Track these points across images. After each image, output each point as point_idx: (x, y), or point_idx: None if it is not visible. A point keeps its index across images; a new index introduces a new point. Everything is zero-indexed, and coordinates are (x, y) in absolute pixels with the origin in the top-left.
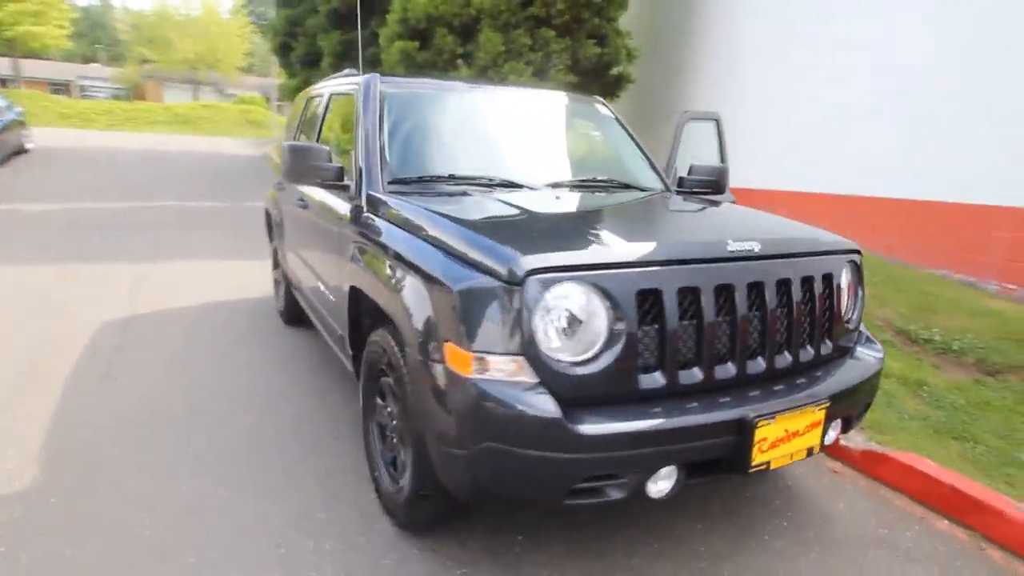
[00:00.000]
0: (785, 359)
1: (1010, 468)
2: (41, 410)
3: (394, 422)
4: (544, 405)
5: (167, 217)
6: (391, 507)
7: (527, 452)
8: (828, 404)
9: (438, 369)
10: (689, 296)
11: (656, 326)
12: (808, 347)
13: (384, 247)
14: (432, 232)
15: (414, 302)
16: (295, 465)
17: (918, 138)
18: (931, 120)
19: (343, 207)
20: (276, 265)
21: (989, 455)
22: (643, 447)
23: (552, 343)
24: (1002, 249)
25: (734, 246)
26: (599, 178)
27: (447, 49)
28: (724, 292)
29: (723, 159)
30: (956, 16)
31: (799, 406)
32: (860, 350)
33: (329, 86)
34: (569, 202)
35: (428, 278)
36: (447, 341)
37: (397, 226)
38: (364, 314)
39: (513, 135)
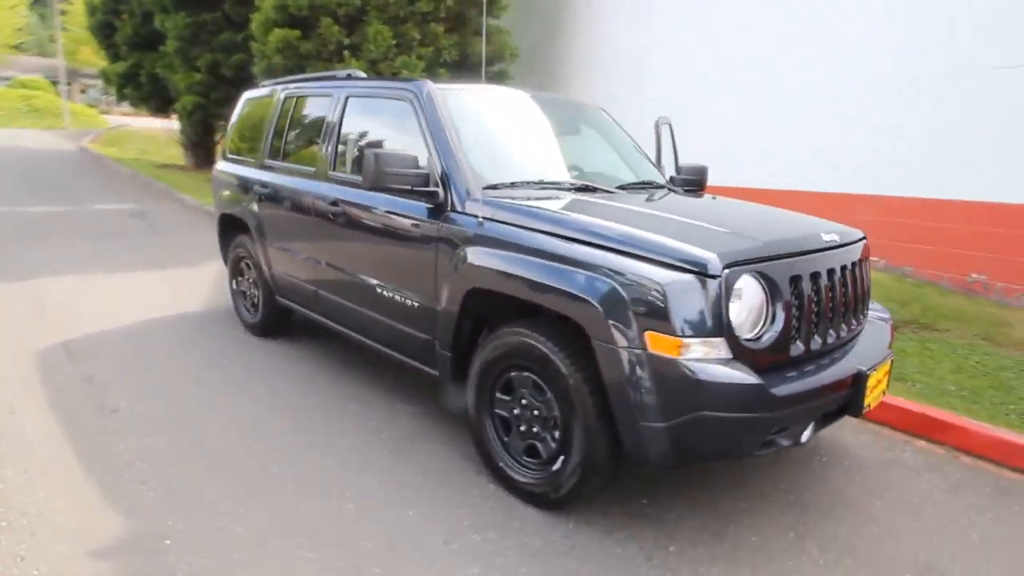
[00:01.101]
0: (853, 325)
1: (945, 397)
2: (74, 489)
3: (534, 412)
4: (747, 375)
5: (3, 225)
6: (537, 490)
7: (734, 415)
8: (892, 354)
9: (639, 355)
10: (812, 279)
11: (797, 304)
12: (861, 314)
13: (534, 251)
14: (605, 234)
15: (601, 298)
16: (410, 476)
17: (776, 136)
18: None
19: (420, 212)
20: (237, 275)
21: (926, 390)
22: (810, 401)
23: (738, 324)
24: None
25: (826, 237)
26: (644, 179)
27: (333, 39)
28: (829, 274)
29: (676, 158)
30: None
31: (883, 359)
32: (871, 313)
33: (339, 88)
34: (665, 204)
35: (617, 275)
36: (647, 330)
37: (542, 232)
38: (476, 316)
39: (563, 139)
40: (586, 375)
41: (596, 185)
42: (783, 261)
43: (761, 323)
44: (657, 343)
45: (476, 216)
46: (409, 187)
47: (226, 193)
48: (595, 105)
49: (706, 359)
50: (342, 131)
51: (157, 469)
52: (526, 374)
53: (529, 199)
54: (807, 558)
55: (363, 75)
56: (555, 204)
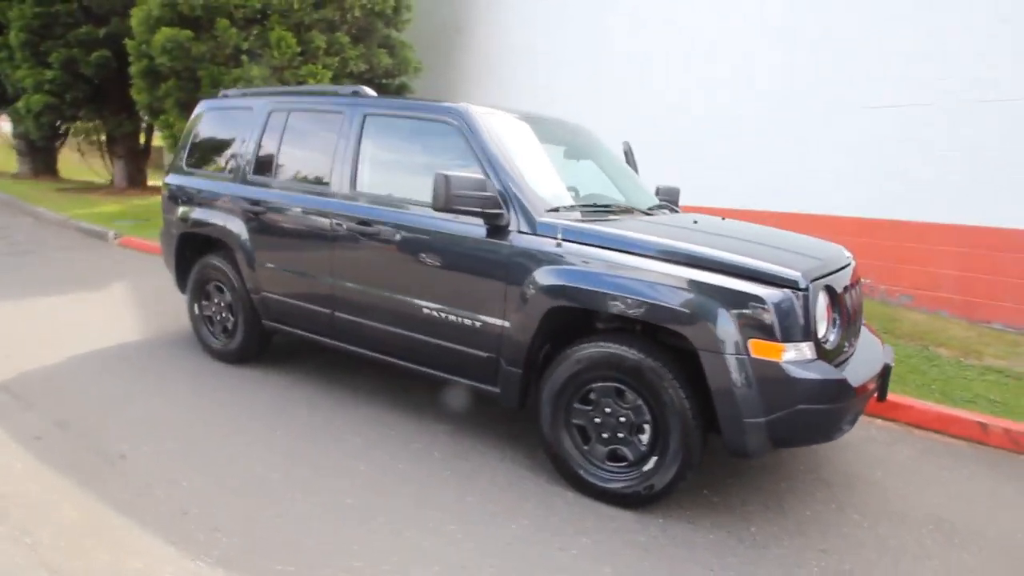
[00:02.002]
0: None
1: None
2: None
3: (619, 419)
4: (834, 372)
5: None
6: (628, 491)
7: (825, 407)
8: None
9: (744, 360)
10: (845, 291)
11: (838, 313)
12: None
13: (628, 270)
14: (701, 255)
15: (708, 313)
16: (487, 493)
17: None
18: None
19: (478, 233)
20: (200, 299)
21: None
22: (869, 390)
23: (818, 329)
24: None
25: (846, 255)
26: (656, 202)
27: (230, 43)
28: (852, 286)
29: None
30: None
31: (889, 357)
32: None
33: (352, 106)
34: (712, 226)
35: (720, 292)
36: (751, 338)
37: (634, 253)
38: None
39: (577, 161)
40: (682, 381)
41: (633, 207)
42: (835, 275)
43: (828, 328)
44: (760, 349)
45: (553, 238)
46: (479, 209)
47: (189, 210)
48: (585, 127)
49: (800, 360)
50: (361, 149)
51: (218, 512)
52: (610, 384)
53: (595, 222)
54: (855, 523)
55: (371, 92)
56: (627, 227)
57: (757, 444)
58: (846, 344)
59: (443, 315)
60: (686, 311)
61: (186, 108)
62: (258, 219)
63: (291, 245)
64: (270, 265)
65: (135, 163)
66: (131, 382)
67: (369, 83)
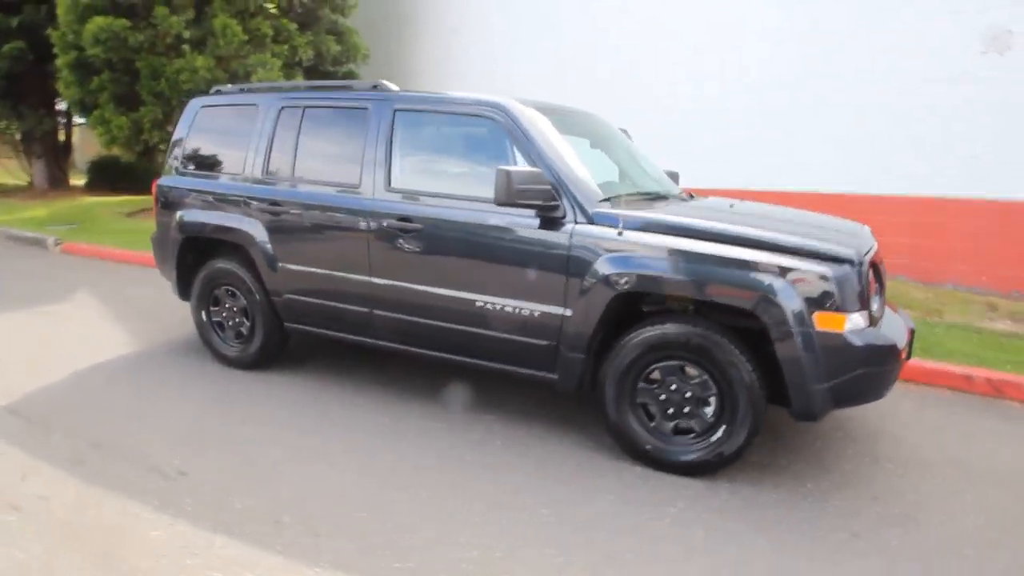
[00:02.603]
0: None
1: None
2: None
3: (685, 395)
4: (886, 337)
5: None
6: (697, 461)
7: (881, 369)
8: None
9: (810, 332)
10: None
11: (880, 284)
12: None
13: (693, 255)
14: (762, 239)
15: (777, 291)
16: (563, 475)
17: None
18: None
19: (530, 225)
20: (208, 304)
21: None
22: (905, 354)
23: (870, 301)
24: None
25: (870, 233)
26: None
27: (171, 31)
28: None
29: None
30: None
31: (911, 322)
32: None
33: (379, 101)
34: (748, 208)
35: (785, 271)
36: (816, 311)
37: (698, 238)
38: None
39: (618, 150)
40: (748, 355)
41: (668, 194)
42: (872, 250)
43: (874, 298)
44: (824, 322)
45: (613, 227)
46: (540, 202)
47: (191, 214)
48: (602, 117)
49: (858, 329)
50: (394, 145)
51: (313, 518)
52: (674, 363)
53: (650, 210)
54: (890, 474)
55: (393, 86)
56: (680, 213)
57: (822, 407)
58: (881, 313)
59: (498, 307)
60: (756, 291)
61: (123, 102)
62: (279, 219)
63: (320, 245)
64: (294, 266)
65: (56, 163)
66: (147, 394)
67: (316, 72)
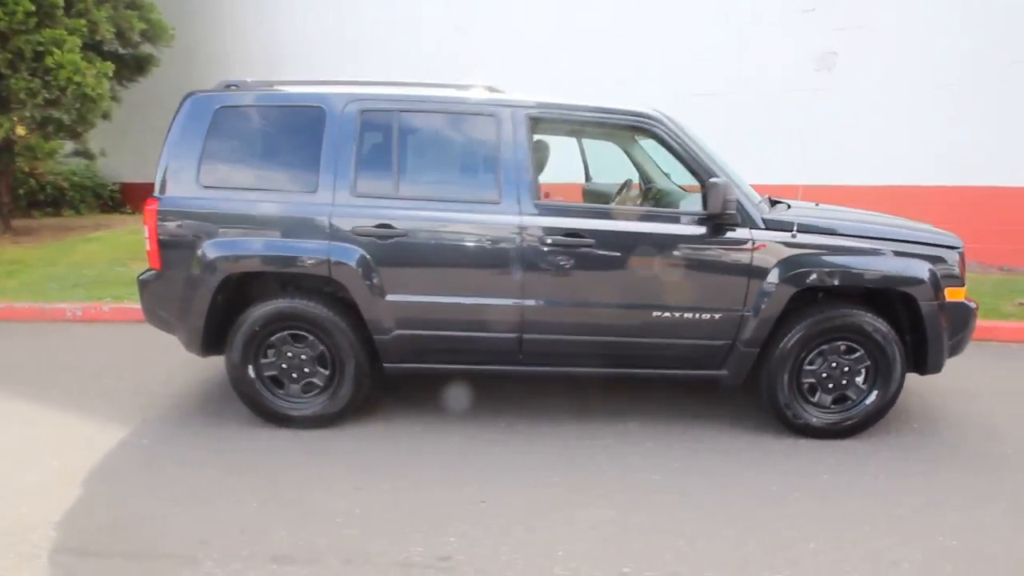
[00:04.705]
0: None
1: None
2: None
3: (844, 370)
4: (974, 303)
5: None
6: (848, 426)
7: (973, 327)
8: None
9: (943, 304)
10: None
11: None
12: None
13: (854, 251)
14: (907, 236)
15: (927, 276)
16: (729, 462)
17: None
18: None
19: (697, 232)
20: (255, 359)
21: None
22: None
23: None
24: None
25: None
26: None
27: None
28: None
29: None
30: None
31: None
32: None
33: (507, 108)
34: (834, 209)
35: (930, 260)
36: (947, 287)
37: (858, 236)
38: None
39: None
40: (896, 329)
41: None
42: None
43: None
44: (952, 294)
45: (787, 231)
46: (733, 212)
47: (239, 244)
48: None
49: (968, 300)
50: (530, 155)
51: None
52: (837, 343)
53: (802, 215)
54: (915, 433)
55: (495, 90)
56: (821, 216)
57: (944, 361)
58: None
59: (675, 315)
60: (911, 276)
61: None
62: (386, 244)
63: (447, 269)
64: (410, 297)
65: None
66: (216, 479)
67: (117, 56)
